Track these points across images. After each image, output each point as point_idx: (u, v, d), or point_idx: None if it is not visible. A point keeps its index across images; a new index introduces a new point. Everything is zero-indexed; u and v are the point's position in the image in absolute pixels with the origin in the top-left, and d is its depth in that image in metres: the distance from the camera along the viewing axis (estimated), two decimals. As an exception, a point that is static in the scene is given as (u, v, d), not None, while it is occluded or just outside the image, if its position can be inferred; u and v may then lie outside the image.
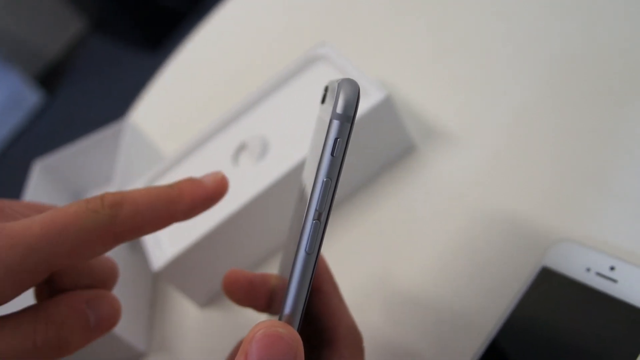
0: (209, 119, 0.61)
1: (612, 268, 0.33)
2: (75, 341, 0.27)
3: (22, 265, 0.24)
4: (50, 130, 2.66)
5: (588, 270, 0.34)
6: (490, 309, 0.37)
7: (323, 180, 0.24)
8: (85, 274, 0.30)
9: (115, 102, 1.96)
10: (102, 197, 0.27)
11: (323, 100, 0.29)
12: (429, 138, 0.49)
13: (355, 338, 0.31)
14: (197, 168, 0.53)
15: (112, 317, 0.29)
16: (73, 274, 0.29)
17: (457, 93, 0.51)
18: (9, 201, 0.29)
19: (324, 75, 0.51)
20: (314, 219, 0.24)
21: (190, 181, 0.29)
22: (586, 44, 0.46)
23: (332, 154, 0.24)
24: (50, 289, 0.29)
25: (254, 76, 0.65)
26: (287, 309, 0.25)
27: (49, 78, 2.97)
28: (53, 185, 0.65)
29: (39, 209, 0.30)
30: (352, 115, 0.24)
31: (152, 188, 0.28)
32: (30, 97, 2.82)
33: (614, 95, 0.43)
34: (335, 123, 0.24)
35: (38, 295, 0.30)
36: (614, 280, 0.33)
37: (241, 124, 0.54)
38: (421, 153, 0.48)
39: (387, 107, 0.46)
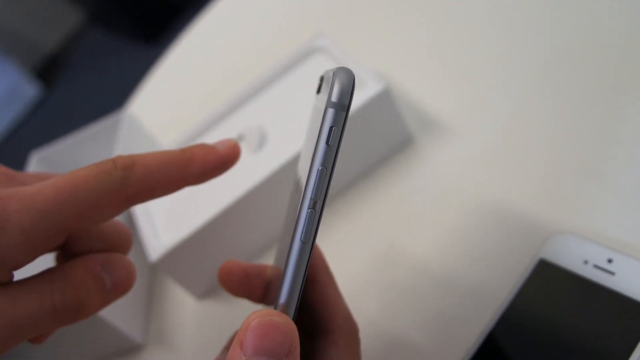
0: (206, 111, 0.61)
1: (609, 260, 0.33)
2: (93, 303, 0.28)
3: (35, 229, 0.24)
4: (48, 122, 2.66)
5: (586, 262, 0.34)
6: (488, 301, 0.37)
7: (318, 169, 0.24)
8: (99, 239, 0.30)
9: (113, 95, 1.96)
10: (114, 160, 0.27)
11: (319, 90, 0.29)
12: (426, 130, 0.49)
13: (350, 328, 0.31)
14: (194, 159, 0.53)
15: (127, 280, 0.29)
16: (87, 238, 0.29)
17: (456, 86, 0.50)
18: (21, 172, 0.30)
19: (322, 66, 0.51)
20: (309, 208, 0.24)
21: (202, 146, 0.29)
22: (585, 39, 0.46)
23: (327, 142, 0.24)
24: (65, 254, 0.29)
25: (251, 68, 0.65)
26: (283, 298, 0.25)
27: (47, 71, 2.97)
28: (50, 176, 0.65)
29: (49, 177, 0.30)
30: (348, 103, 0.24)
31: (163, 152, 0.28)
32: (28, 90, 2.82)
33: (611, 90, 0.42)
34: (330, 111, 0.24)
35: (58, 262, 0.30)
36: (612, 273, 0.33)
37: (239, 116, 0.54)
38: (419, 145, 0.48)
39: (385, 98, 0.46)
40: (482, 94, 0.48)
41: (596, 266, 0.33)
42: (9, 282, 0.26)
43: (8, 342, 0.25)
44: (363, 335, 0.32)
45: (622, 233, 0.36)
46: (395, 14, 0.61)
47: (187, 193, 0.51)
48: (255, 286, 0.33)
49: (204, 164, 0.29)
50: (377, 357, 0.38)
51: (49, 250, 0.27)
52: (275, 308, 0.25)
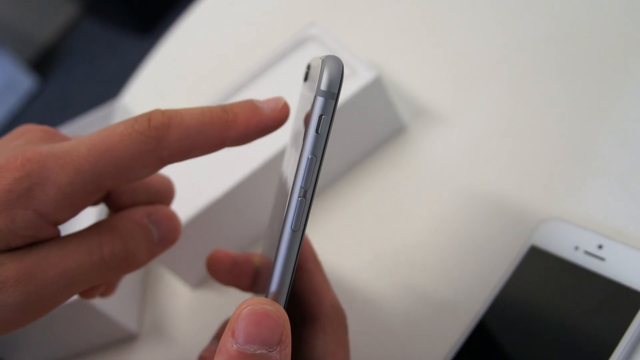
0: (200, 101, 0.60)
1: (600, 246, 0.33)
2: (141, 254, 0.28)
3: (72, 186, 0.25)
4: (44, 114, 2.65)
5: (576, 248, 0.34)
6: (479, 288, 0.37)
7: (308, 157, 0.24)
8: (143, 191, 0.30)
9: (109, 86, 1.95)
10: (149, 117, 0.26)
11: (306, 78, 0.29)
12: (419, 119, 0.49)
13: (338, 315, 0.31)
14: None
15: (173, 232, 0.29)
16: (131, 191, 0.30)
17: (448, 73, 0.50)
18: (61, 132, 0.30)
19: (314, 55, 0.51)
20: (299, 196, 0.24)
21: (248, 105, 0.28)
22: (574, 24, 0.46)
23: (316, 130, 0.24)
24: (111, 207, 0.30)
25: (244, 57, 0.65)
26: (274, 286, 0.25)
27: (43, 63, 2.95)
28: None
29: None
30: (337, 91, 0.24)
31: (204, 109, 0.27)
32: (24, 82, 2.80)
33: (601, 75, 0.42)
34: (320, 100, 0.24)
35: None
36: (602, 259, 0.33)
37: (232, 105, 0.54)
38: (411, 134, 0.48)
39: (377, 87, 0.46)
40: (473, 82, 0.48)
41: (587, 252, 0.34)
42: (57, 237, 0.26)
43: (61, 294, 0.26)
44: (352, 323, 0.32)
45: (612, 219, 0.36)
46: (387, 2, 0.61)
47: (181, 182, 0.51)
48: (243, 274, 0.33)
49: (246, 127, 0.27)
50: (365, 345, 0.39)
51: (90, 205, 0.27)
52: (266, 296, 0.25)
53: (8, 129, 2.71)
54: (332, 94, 0.24)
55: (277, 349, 0.23)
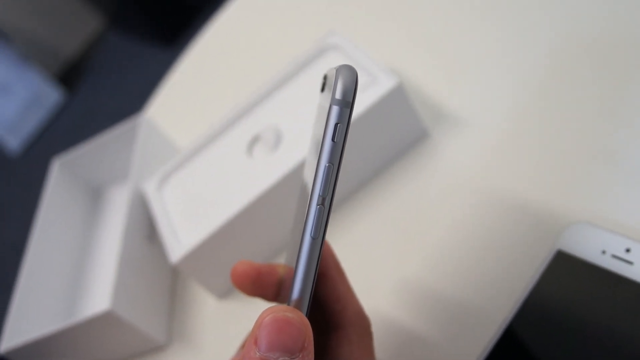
0: (223, 112, 0.61)
1: (627, 250, 0.33)
2: None
3: None
4: (72, 127, 2.69)
5: (603, 252, 0.34)
6: (506, 293, 0.37)
7: (325, 166, 0.24)
8: None
9: (135, 98, 1.97)
10: None
11: (323, 89, 0.29)
12: (442, 125, 0.48)
13: (363, 323, 0.31)
14: (212, 161, 0.53)
15: None
16: None
17: (470, 77, 0.50)
18: None
19: (335, 64, 0.51)
20: (317, 204, 0.24)
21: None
22: (596, 26, 0.46)
23: (332, 139, 0.24)
24: None
25: (267, 68, 0.65)
26: (295, 294, 0.25)
27: (69, 76, 3.00)
28: (72, 181, 0.66)
29: None
30: (351, 100, 0.24)
31: None
32: (51, 96, 2.85)
33: (625, 74, 0.42)
34: (335, 109, 0.24)
35: None
36: (630, 262, 0.32)
37: (254, 116, 0.54)
38: (434, 140, 0.48)
39: (398, 94, 0.46)
40: (495, 86, 0.48)
41: (614, 256, 0.33)
42: None
43: None
44: (377, 330, 0.32)
45: (640, 222, 0.35)
46: (406, 7, 0.61)
47: (206, 194, 0.51)
48: (268, 285, 0.33)
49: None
50: (391, 352, 0.39)
51: None
52: (288, 304, 0.25)
53: (36, 142, 2.77)
54: (346, 102, 0.24)
55: (300, 356, 0.23)
